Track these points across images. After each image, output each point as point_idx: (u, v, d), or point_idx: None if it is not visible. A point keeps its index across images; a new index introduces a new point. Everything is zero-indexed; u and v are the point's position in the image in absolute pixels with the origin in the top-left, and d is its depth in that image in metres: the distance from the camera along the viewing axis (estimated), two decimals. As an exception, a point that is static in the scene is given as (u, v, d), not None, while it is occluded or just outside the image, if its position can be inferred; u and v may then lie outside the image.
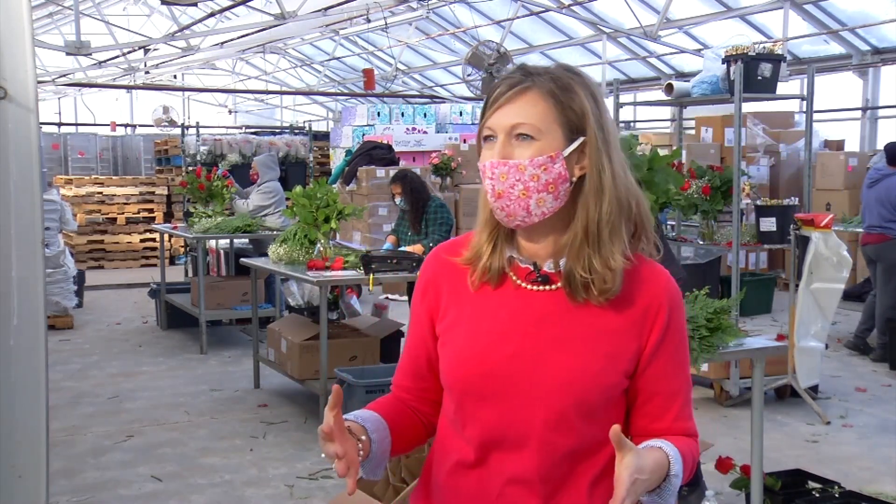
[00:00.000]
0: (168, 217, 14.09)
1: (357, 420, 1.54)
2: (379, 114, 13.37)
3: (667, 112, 13.55)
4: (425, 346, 1.65)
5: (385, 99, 16.97)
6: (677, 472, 1.50)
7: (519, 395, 1.52)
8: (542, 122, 1.49)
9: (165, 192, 14.44)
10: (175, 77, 21.20)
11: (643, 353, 1.54)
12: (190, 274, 10.48)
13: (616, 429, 1.38)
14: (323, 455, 1.45)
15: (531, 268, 1.56)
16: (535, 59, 15.83)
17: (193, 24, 13.81)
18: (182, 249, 13.26)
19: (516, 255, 1.58)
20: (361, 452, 1.49)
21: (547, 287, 1.55)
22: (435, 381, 1.65)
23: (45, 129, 19.32)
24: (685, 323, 1.62)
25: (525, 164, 1.48)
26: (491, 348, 1.54)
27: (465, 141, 12.43)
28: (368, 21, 12.99)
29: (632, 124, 15.72)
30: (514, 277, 1.57)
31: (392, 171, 9.14)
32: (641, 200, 1.57)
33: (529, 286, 1.56)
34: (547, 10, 12.86)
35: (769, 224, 6.46)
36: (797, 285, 5.67)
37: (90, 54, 12.31)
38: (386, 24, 13.36)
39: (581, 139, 1.51)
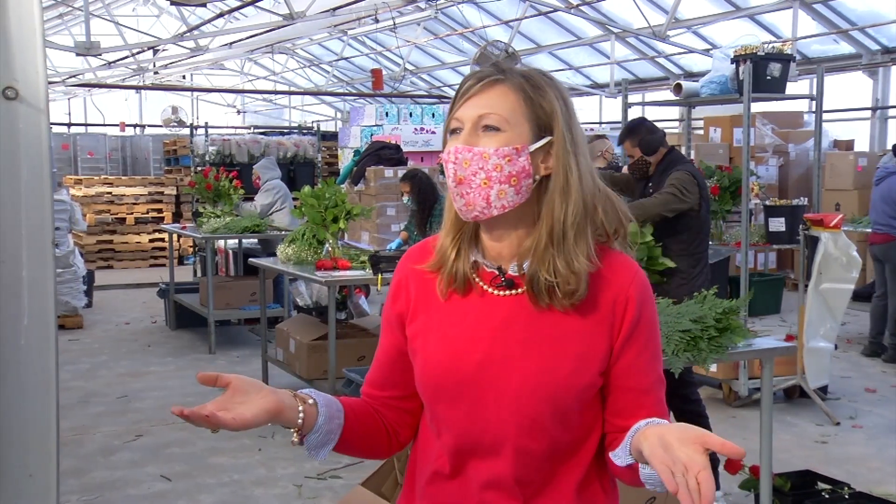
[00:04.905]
0: (177, 217, 14.13)
1: (310, 393, 1.56)
2: (387, 114, 13.36)
3: (675, 112, 13.52)
4: (397, 349, 1.63)
5: (393, 99, 16.96)
6: None
7: (490, 401, 1.51)
8: (510, 114, 1.48)
9: (174, 193, 14.47)
10: (184, 77, 21.27)
11: (614, 347, 1.53)
12: (199, 274, 10.49)
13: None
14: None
15: (496, 272, 1.55)
16: (543, 59, 15.86)
17: (202, 24, 13.87)
18: (191, 249, 13.29)
19: (481, 259, 1.56)
20: (301, 416, 1.50)
21: (512, 291, 1.54)
22: (403, 389, 1.64)
23: (55, 129, 19.39)
24: (657, 317, 1.59)
25: (489, 153, 1.47)
26: (459, 355, 1.53)
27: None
28: (377, 21, 13.01)
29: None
30: (480, 282, 1.56)
31: (400, 172, 9.15)
32: (616, 202, 1.56)
33: (495, 291, 1.55)
34: (555, 10, 12.85)
35: (778, 224, 6.45)
36: (806, 286, 5.65)
37: (100, 55, 12.37)
38: (394, 24, 13.37)
39: (548, 138, 1.50)
